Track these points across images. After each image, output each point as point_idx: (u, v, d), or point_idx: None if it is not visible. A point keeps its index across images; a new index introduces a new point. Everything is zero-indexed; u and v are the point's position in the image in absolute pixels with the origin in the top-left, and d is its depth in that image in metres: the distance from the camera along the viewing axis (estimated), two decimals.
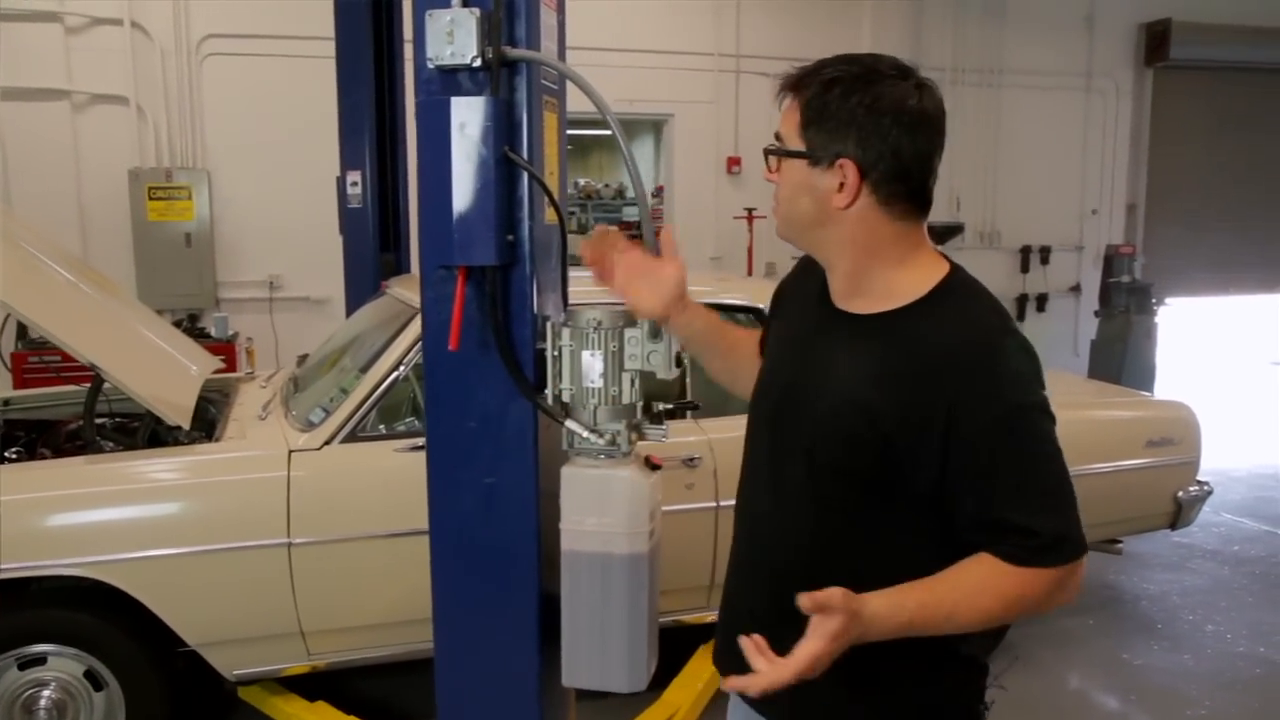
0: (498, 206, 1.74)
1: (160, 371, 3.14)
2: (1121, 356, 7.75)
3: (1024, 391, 1.28)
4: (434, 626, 1.99)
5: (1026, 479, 1.25)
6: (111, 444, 3.02)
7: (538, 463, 1.90)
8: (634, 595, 1.87)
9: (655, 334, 1.82)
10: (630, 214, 13.15)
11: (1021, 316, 8.58)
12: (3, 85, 5.94)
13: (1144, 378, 7.63)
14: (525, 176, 1.81)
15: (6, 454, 3.04)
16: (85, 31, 6.12)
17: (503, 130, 1.75)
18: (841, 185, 1.32)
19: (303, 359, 3.76)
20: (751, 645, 1.23)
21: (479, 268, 1.78)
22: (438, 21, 1.72)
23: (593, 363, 1.84)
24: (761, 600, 1.48)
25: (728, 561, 1.67)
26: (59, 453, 3.12)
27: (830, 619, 1.18)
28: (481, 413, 1.88)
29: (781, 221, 1.42)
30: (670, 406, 2.91)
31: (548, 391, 1.87)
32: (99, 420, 3.28)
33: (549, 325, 1.85)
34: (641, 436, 1.91)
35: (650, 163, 8.95)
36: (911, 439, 1.27)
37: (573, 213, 13.53)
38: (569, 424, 1.84)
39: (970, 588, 1.26)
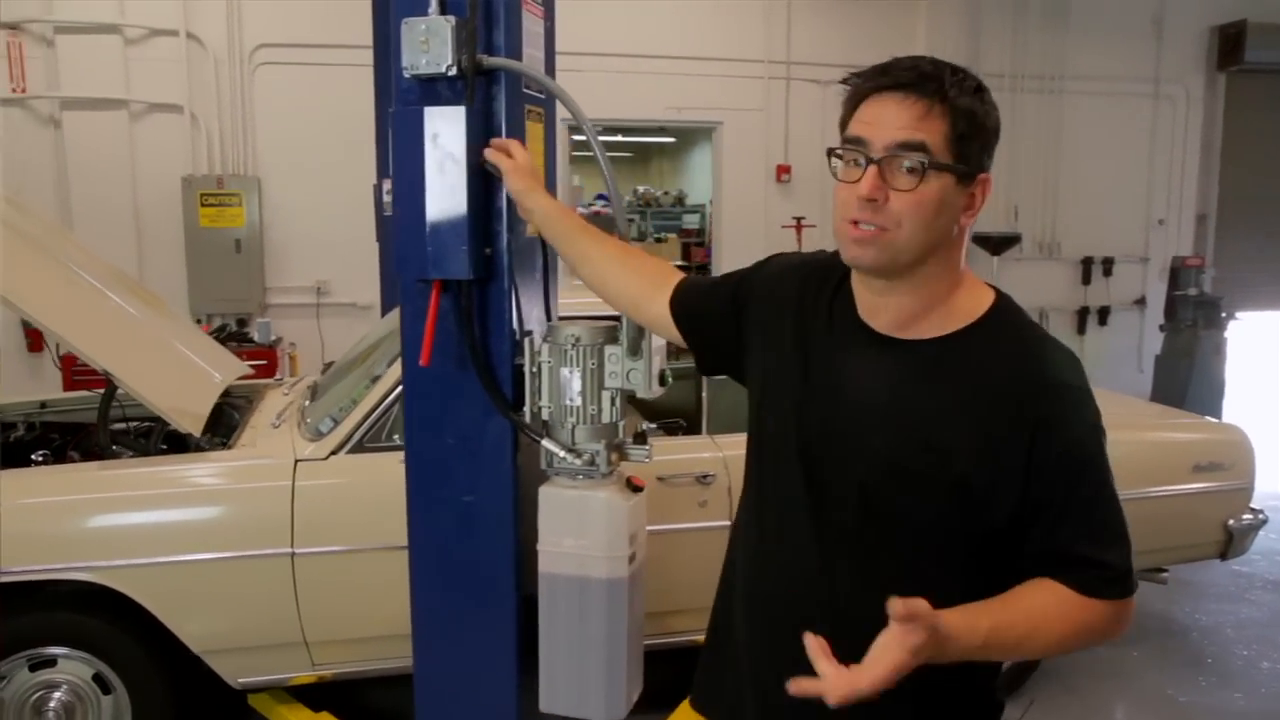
0: (473, 219, 1.70)
1: (178, 378, 3.17)
2: (1188, 373, 7.43)
3: (1093, 414, 1.24)
4: (413, 646, 1.96)
5: (1095, 510, 1.22)
6: (130, 451, 3.05)
7: (516, 482, 1.86)
8: (613, 621, 1.82)
9: (635, 351, 1.76)
10: (690, 221, 13.10)
11: (1082, 330, 8.31)
12: (65, 95, 6.12)
13: (1212, 396, 7.31)
14: (505, 188, 1.77)
15: (34, 456, 3.09)
16: (143, 42, 6.27)
17: (479, 140, 1.71)
18: (971, 202, 1.25)
19: (328, 366, 3.77)
20: (817, 647, 1.12)
21: (454, 281, 1.74)
22: (413, 30, 1.70)
23: (571, 380, 1.79)
24: (794, 662, 1.37)
25: (724, 609, 1.53)
26: (88, 456, 3.16)
27: (915, 631, 1.09)
28: (459, 430, 1.85)
29: (901, 246, 1.21)
30: (654, 425, 2.87)
31: (526, 409, 1.83)
32: (124, 425, 3.33)
33: (526, 341, 1.81)
34: (624, 457, 1.86)
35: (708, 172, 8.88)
36: (990, 476, 1.21)
37: (631, 220, 13.51)
38: (546, 443, 1.80)
39: (1042, 614, 1.21)
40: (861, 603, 1.24)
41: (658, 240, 12.56)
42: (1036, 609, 1.21)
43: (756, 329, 1.46)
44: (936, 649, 1.12)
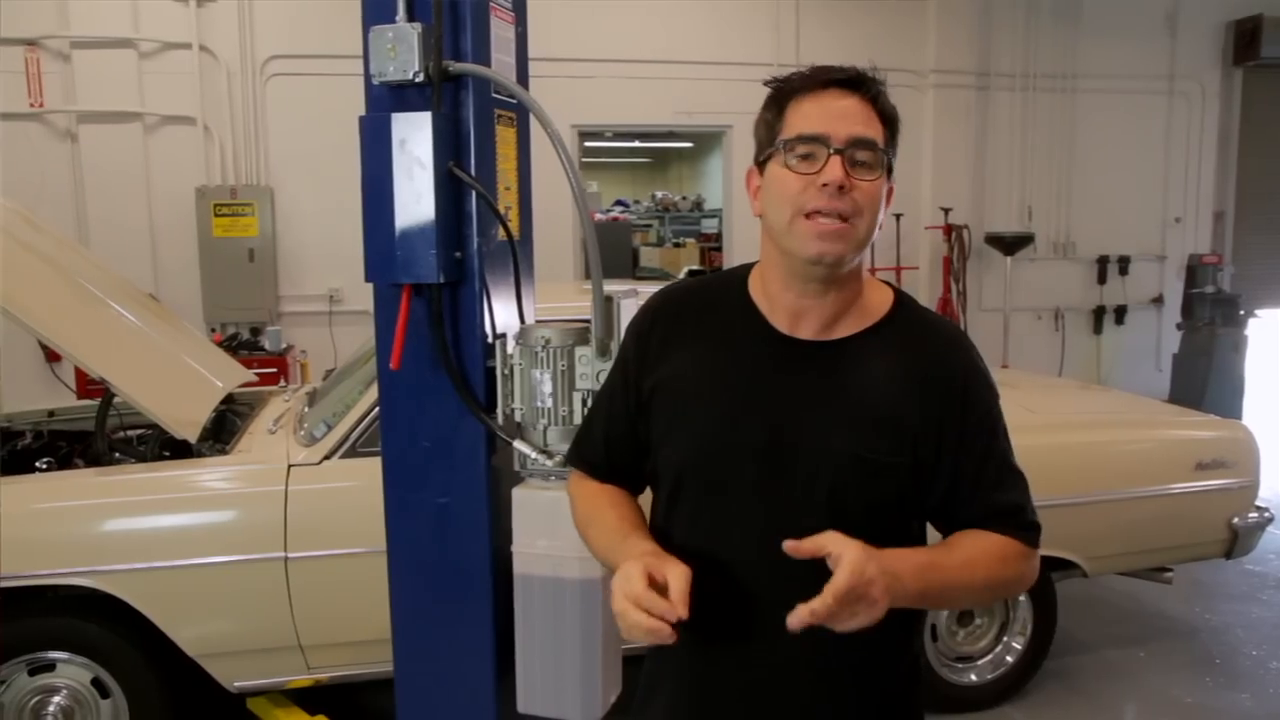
0: (441, 223, 1.72)
1: (177, 386, 3.21)
2: (1207, 371, 7.34)
3: (992, 382, 1.32)
4: (394, 647, 1.98)
5: (1010, 468, 1.30)
6: (131, 458, 3.10)
7: (491, 483, 1.87)
8: (587, 622, 1.83)
9: (604, 351, 1.77)
10: (709, 226, 13.06)
11: (1098, 329, 8.23)
12: (81, 109, 6.22)
13: (1231, 394, 7.21)
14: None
15: (37, 464, 3.14)
16: (157, 56, 6.36)
17: (447, 146, 1.73)
18: (887, 205, 1.28)
19: (329, 373, 3.81)
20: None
21: (426, 285, 1.76)
22: (380, 38, 1.72)
23: (542, 382, 1.80)
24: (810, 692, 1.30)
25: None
26: (93, 463, 3.21)
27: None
28: (434, 433, 1.86)
29: (860, 239, 1.22)
30: None
31: (499, 411, 1.84)
32: (126, 433, 3.38)
33: (498, 344, 1.82)
34: None
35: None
36: (935, 451, 1.25)
37: (649, 225, 13.51)
38: (518, 445, 1.82)
39: (976, 550, 1.25)
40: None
41: (676, 245, 12.55)
42: (969, 548, 1.25)
43: (659, 387, 1.33)
44: (887, 573, 1.09)
